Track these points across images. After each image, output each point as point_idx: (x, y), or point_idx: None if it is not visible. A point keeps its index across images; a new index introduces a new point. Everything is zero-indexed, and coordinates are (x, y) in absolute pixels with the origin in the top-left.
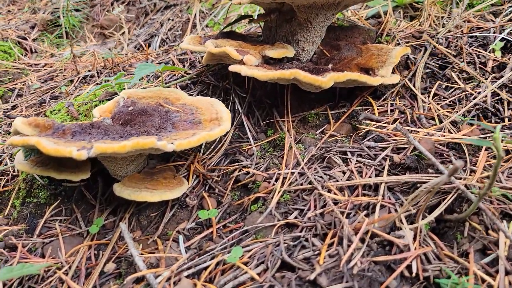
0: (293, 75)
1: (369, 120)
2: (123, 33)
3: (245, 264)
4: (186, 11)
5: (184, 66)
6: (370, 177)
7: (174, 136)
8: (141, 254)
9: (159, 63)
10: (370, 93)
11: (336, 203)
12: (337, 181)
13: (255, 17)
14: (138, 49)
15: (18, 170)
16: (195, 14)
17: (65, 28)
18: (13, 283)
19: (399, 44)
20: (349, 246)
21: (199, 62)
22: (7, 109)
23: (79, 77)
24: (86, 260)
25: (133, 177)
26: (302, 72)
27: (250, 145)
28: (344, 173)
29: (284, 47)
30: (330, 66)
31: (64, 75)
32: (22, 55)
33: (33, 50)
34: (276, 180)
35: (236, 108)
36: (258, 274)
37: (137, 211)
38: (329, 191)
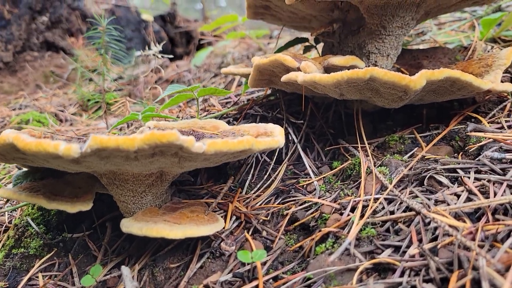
0: (370, 73)
1: (481, 131)
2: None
3: None
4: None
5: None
6: (503, 195)
7: (208, 140)
8: None
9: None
10: (472, 110)
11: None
12: (449, 205)
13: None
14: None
15: (14, 221)
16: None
17: (106, 103)
18: None
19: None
20: None
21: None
22: None
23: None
24: None
25: (149, 210)
26: (381, 70)
27: (309, 179)
28: (457, 195)
29: (351, 58)
30: None
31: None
32: (56, 124)
33: (68, 120)
34: (353, 209)
35: (290, 138)
36: None
37: (151, 262)
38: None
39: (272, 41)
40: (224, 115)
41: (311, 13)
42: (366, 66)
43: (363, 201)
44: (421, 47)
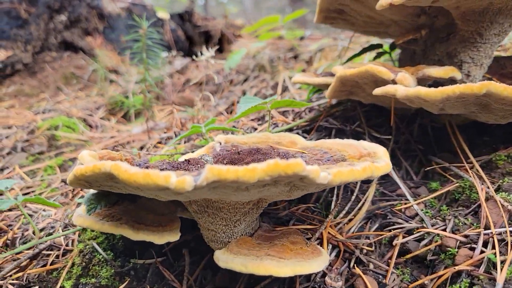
0: (486, 88)
1: None
2: (198, 109)
3: None
4: (271, 79)
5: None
6: None
7: (333, 170)
8: None
9: (252, 120)
10: None
11: None
12: None
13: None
14: (220, 114)
15: (72, 244)
16: (284, 79)
17: (133, 106)
18: None
19: None
20: None
21: (307, 113)
22: (65, 179)
23: (152, 143)
24: None
25: (244, 240)
26: (499, 84)
27: (407, 202)
28: None
29: (448, 68)
30: None
31: (132, 146)
32: (87, 130)
33: (98, 126)
34: (486, 244)
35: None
36: None
37: None
38: None
39: (304, 42)
40: (294, 128)
41: (392, 18)
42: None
43: (497, 234)
44: (502, 54)
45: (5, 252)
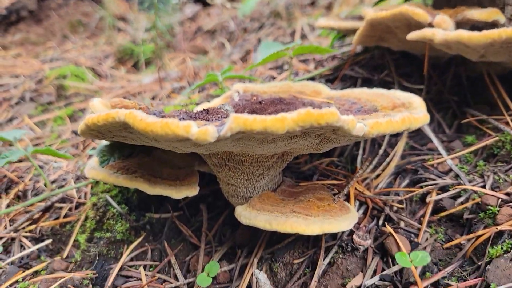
0: None
1: None
2: (211, 58)
3: None
4: (288, 27)
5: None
6: None
7: (370, 121)
8: None
9: (271, 69)
10: None
11: None
12: None
13: None
14: (234, 63)
15: (85, 196)
16: (302, 27)
17: (143, 55)
18: None
19: None
20: None
21: (329, 62)
22: (75, 130)
23: (164, 94)
24: None
25: (267, 196)
26: None
27: (439, 157)
28: None
29: (494, 9)
30: None
31: (144, 96)
32: (96, 79)
33: (108, 75)
34: None
35: None
36: None
37: (268, 256)
38: None
39: None
40: (317, 77)
41: None
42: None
43: None
44: None
45: (17, 204)
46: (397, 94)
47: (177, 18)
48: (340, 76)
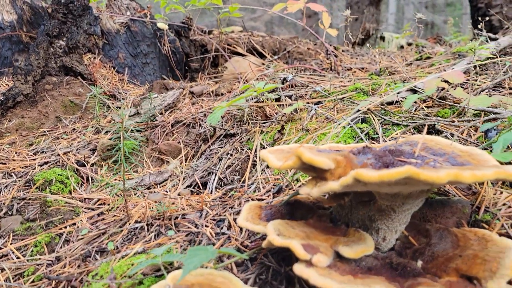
0: None
1: None
2: (181, 162)
3: None
4: (246, 142)
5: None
6: None
7: None
8: None
9: (214, 220)
10: None
11: None
12: None
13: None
14: (193, 190)
15: None
16: (255, 150)
17: (125, 152)
18: None
19: (504, 229)
20: None
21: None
22: (51, 261)
23: (128, 229)
24: None
25: None
26: None
27: None
28: None
29: (362, 240)
30: (419, 263)
31: (114, 216)
32: (78, 184)
33: (90, 179)
34: None
35: None
36: None
37: None
38: None
39: (285, 90)
40: (240, 260)
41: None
42: (375, 241)
43: None
44: None
45: None
46: None
47: (159, 105)
48: (258, 259)
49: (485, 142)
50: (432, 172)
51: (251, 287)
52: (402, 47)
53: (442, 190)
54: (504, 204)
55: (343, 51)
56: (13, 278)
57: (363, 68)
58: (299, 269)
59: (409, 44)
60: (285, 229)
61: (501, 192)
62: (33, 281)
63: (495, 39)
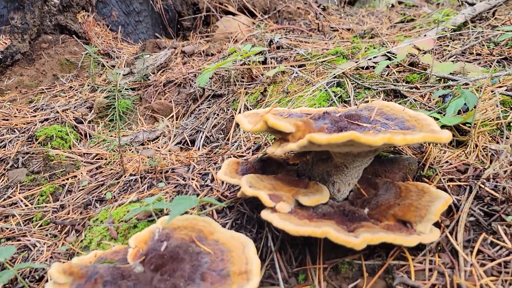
0: (325, 234)
1: (405, 285)
2: (172, 119)
3: None
4: (232, 103)
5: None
6: None
7: None
8: None
9: (199, 174)
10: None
11: None
12: None
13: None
14: (182, 146)
15: None
16: (240, 110)
17: (120, 111)
18: None
19: (441, 183)
20: None
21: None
22: (56, 208)
23: (124, 181)
24: None
25: None
26: (334, 233)
27: None
28: None
29: (319, 191)
30: (366, 211)
31: (111, 169)
32: (77, 140)
33: (88, 135)
34: None
35: (269, 244)
36: None
37: None
38: None
39: (272, 52)
40: (220, 208)
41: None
42: (331, 192)
43: None
44: None
45: None
46: (247, 255)
47: (151, 62)
48: (235, 207)
49: (441, 106)
50: (370, 136)
51: (228, 230)
52: (392, 6)
53: (396, 149)
54: (446, 162)
55: (332, 10)
56: (23, 223)
57: (349, 29)
58: (265, 214)
59: (400, 3)
60: (256, 182)
61: (445, 152)
62: (41, 225)
63: (472, 4)
